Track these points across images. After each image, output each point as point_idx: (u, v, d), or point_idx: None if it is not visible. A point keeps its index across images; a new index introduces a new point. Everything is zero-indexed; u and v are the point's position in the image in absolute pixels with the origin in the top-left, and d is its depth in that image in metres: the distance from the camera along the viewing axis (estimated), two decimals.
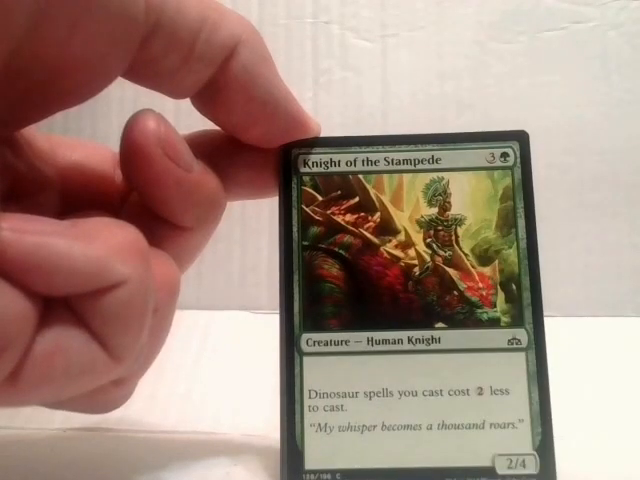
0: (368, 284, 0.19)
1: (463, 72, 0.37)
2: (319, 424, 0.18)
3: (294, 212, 0.19)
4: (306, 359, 0.18)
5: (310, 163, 0.19)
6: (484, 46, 0.37)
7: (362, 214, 0.19)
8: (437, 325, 0.18)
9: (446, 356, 0.18)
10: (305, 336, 0.18)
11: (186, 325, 0.31)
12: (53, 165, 0.18)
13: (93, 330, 0.13)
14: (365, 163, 0.19)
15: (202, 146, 0.18)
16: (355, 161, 0.19)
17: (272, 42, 0.39)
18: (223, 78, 0.16)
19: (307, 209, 0.19)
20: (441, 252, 0.19)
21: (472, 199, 0.19)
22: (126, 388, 0.16)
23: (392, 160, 0.19)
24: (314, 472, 0.18)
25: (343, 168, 0.19)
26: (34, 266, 0.12)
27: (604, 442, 0.22)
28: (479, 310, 0.19)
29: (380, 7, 0.37)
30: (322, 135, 0.19)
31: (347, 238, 0.19)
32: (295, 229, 0.19)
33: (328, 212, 0.19)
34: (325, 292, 0.19)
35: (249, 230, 0.36)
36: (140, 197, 0.17)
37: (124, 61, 0.15)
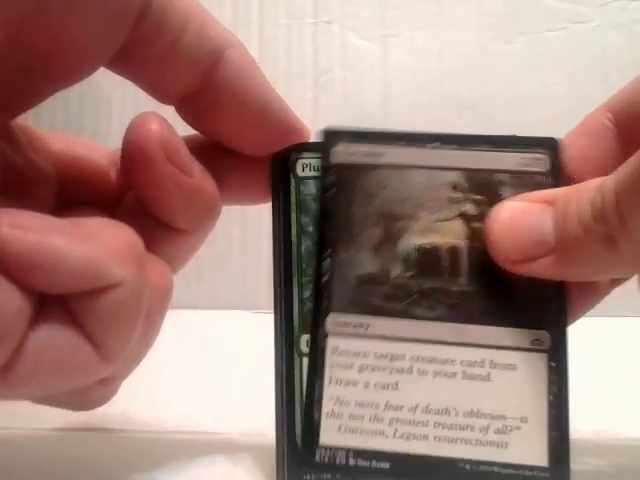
0: None
1: (463, 72, 0.37)
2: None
3: (293, 216, 0.19)
4: (304, 358, 0.18)
5: (308, 167, 0.19)
6: (484, 46, 0.37)
7: None
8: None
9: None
10: (304, 337, 0.18)
11: (186, 325, 0.31)
12: (49, 160, 0.18)
13: (86, 329, 0.13)
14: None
15: (196, 149, 0.18)
16: None
17: (273, 42, 0.39)
18: (215, 83, 0.16)
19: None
20: None
21: None
22: (111, 387, 0.16)
23: None
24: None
25: None
26: (32, 263, 0.12)
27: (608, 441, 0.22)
28: None
29: (380, 7, 0.37)
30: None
31: None
32: (294, 232, 0.19)
33: None
34: None
35: (249, 230, 0.36)
36: (139, 198, 0.17)
37: (117, 40, 0.15)
